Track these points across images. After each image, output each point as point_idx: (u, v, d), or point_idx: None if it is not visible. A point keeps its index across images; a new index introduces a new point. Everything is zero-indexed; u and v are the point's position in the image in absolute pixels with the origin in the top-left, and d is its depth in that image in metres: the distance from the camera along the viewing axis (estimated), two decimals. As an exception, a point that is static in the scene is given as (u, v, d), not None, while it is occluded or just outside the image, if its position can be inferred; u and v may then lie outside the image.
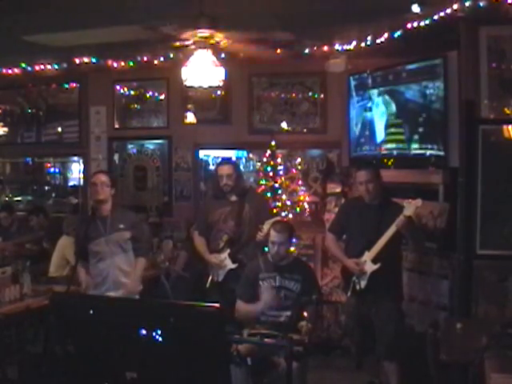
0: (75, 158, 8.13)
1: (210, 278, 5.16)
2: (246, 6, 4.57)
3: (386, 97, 5.72)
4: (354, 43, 5.68)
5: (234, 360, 3.82)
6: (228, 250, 5.07)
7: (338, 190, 6.30)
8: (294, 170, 6.63)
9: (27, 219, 7.10)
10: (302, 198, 6.51)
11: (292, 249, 5.97)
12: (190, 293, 5.93)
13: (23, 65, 6.95)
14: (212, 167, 7.49)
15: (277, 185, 6.25)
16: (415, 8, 4.51)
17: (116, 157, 7.71)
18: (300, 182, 6.57)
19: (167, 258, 6.41)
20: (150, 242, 5.84)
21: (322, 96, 6.73)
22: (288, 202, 6.27)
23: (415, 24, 4.88)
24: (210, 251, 5.17)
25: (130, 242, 4.73)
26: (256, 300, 4.45)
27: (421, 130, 5.29)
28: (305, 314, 4.07)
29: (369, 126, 6.01)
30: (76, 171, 8.25)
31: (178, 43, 5.23)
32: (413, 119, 5.39)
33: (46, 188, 8.49)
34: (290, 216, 6.20)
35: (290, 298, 4.40)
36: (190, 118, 7.21)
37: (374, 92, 5.87)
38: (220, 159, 6.51)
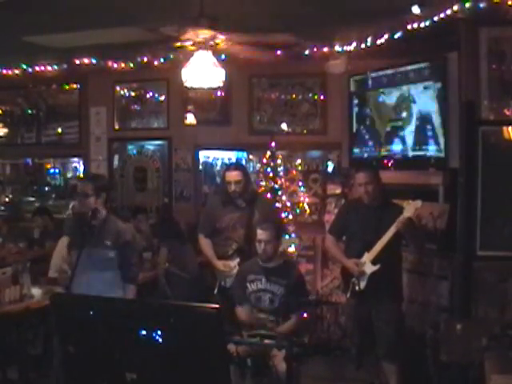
0: (75, 159, 8.14)
1: (218, 283, 5.11)
2: (246, 6, 4.58)
3: (386, 98, 5.72)
4: (354, 44, 5.68)
5: (234, 361, 3.82)
6: (238, 259, 4.98)
7: (338, 191, 6.31)
8: (294, 171, 6.63)
9: (31, 220, 7.09)
10: (302, 199, 6.50)
11: (292, 250, 6.00)
12: (190, 293, 5.93)
13: (23, 65, 6.96)
14: (215, 169, 7.51)
15: (277, 186, 6.23)
16: (415, 9, 4.52)
17: (116, 158, 7.71)
18: (300, 183, 6.57)
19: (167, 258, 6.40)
20: (138, 260, 5.25)
21: (322, 97, 6.73)
22: (288, 203, 6.26)
23: (415, 25, 4.88)
24: (217, 256, 5.08)
25: (113, 262, 4.23)
26: (247, 301, 4.48)
27: (421, 130, 5.30)
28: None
29: (369, 127, 6.01)
30: (76, 172, 8.26)
31: (178, 44, 5.23)
32: (413, 120, 5.39)
33: (46, 189, 8.49)
34: (290, 217, 6.20)
35: (274, 301, 4.41)
36: (190, 119, 7.21)
37: (374, 93, 5.88)
38: (229, 163, 6.30)
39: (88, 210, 4.21)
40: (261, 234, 4.45)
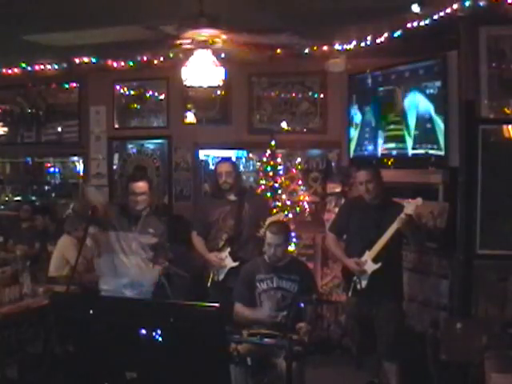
0: (75, 158, 8.13)
1: (211, 277, 5.16)
2: (246, 5, 4.57)
3: (386, 96, 5.71)
4: (354, 43, 5.67)
5: (234, 360, 3.81)
6: (228, 249, 5.07)
7: (338, 189, 6.30)
8: (293, 170, 6.63)
9: (32, 219, 7.08)
10: (301, 197, 6.50)
11: (292, 249, 6.00)
12: (190, 292, 5.92)
13: (23, 65, 6.95)
14: (212, 167, 7.49)
15: (277, 185, 6.24)
16: (415, 8, 4.51)
17: (116, 157, 7.71)
18: (300, 182, 6.57)
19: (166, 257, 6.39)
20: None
21: (322, 96, 6.72)
22: (288, 202, 6.26)
23: (415, 24, 4.87)
24: (209, 250, 5.17)
25: (151, 246, 4.75)
26: (254, 302, 4.45)
27: (421, 129, 5.29)
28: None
29: (368, 125, 6.01)
30: (76, 171, 8.25)
31: (177, 43, 5.23)
32: (412, 119, 5.39)
33: (46, 188, 8.48)
34: (290, 216, 6.20)
35: (287, 298, 4.39)
36: (190, 117, 7.21)
37: (374, 92, 5.87)
38: (219, 158, 6.49)
39: (147, 206, 4.75)
40: (271, 237, 4.43)
